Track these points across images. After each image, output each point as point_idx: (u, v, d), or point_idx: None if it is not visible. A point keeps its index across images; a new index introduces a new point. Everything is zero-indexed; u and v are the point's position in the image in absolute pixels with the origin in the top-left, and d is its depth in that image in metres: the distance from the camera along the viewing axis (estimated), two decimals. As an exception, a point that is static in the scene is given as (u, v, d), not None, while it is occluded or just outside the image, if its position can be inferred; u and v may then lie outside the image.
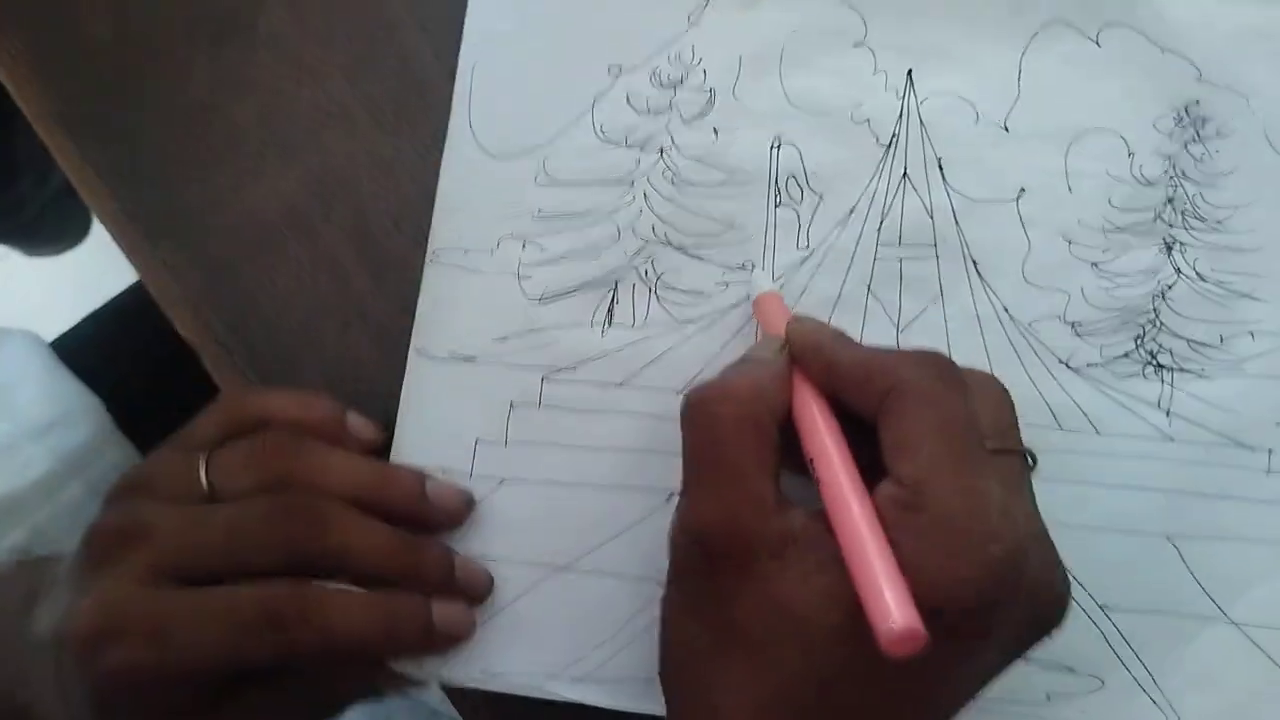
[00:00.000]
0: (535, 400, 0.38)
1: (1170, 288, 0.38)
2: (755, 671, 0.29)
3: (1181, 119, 0.39)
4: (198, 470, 0.34)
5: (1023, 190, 0.39)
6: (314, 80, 0.41)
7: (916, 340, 0.38)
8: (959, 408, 0.29)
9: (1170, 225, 0.38)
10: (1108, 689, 0.37)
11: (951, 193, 0.39)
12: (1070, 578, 0.30)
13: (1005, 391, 0.32)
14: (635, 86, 0.40)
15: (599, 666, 0.37)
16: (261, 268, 0.41)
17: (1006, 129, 0.39)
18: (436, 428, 0.38)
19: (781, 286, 0.38)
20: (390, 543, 0.34)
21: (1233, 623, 0.37)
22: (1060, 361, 0.38)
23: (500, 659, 0.37)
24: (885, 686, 0.28)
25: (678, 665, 0.31)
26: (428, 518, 0.36)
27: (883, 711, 0.29)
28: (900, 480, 0.28)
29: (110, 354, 0.59)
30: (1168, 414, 0.37)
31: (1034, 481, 0.31)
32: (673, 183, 0.39)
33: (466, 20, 0.40)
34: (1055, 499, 0.32)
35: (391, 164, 0.41)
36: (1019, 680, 0.34)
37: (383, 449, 0.38)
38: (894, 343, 0.38)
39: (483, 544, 0.37)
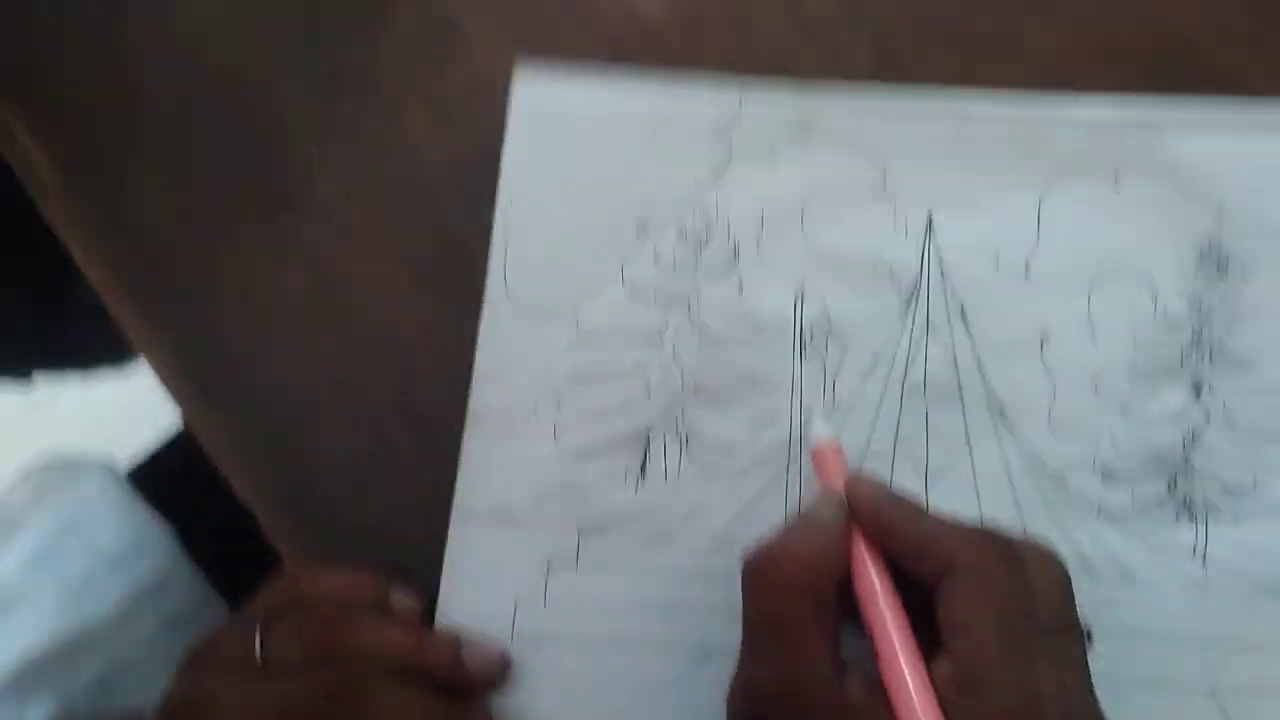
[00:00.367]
0: (573, 560, 0.40)
1: (1199, 433, 0.38)
2: None
3: (1204, 259, 0.39)
4: (252, 643, 0.37)
5: (1046, 336, 0.39)
6: (359, 248, 0.44)
7: (945, 494, 0.39)
8: (1015, 590, 0.30)
9: (1198, 367, 0.39)
10: None
11: (975, 340, 0.40)
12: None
13: (1062, 565, 0.32)
14: (662, 245, 0.41)
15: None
16: (309, 431, 0.43)
17: (1028, 274, 0.40)
18: (478, 589, 0.40)
19: (839, 435, 0.38)
20: (426, 715, 0.36)
21: (1280, 780, 0.36)
22: (1091, 509, 0.38)
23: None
24: None
25: None
26: (463, 682, 0.38)
27: None
28: (957, 660, 0.29)
29: (178, 482, 0.62)
30: (1204, 561, 0.37)
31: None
32: (700, 337, 0.41)
33: (500, 183, 0.42)
34: (1090, 654, 0.32)
35: (431, 327, 0.43)
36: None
37: (427, 615, 0.40)
38: (923, 495, 0.39)
39: (523, 705, 0.39)
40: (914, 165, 0.41)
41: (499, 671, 0.38)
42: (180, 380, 0.45)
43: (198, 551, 0.56)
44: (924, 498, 0.39)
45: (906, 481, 0.39)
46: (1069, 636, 0.31)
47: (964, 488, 0.39)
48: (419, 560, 0.40)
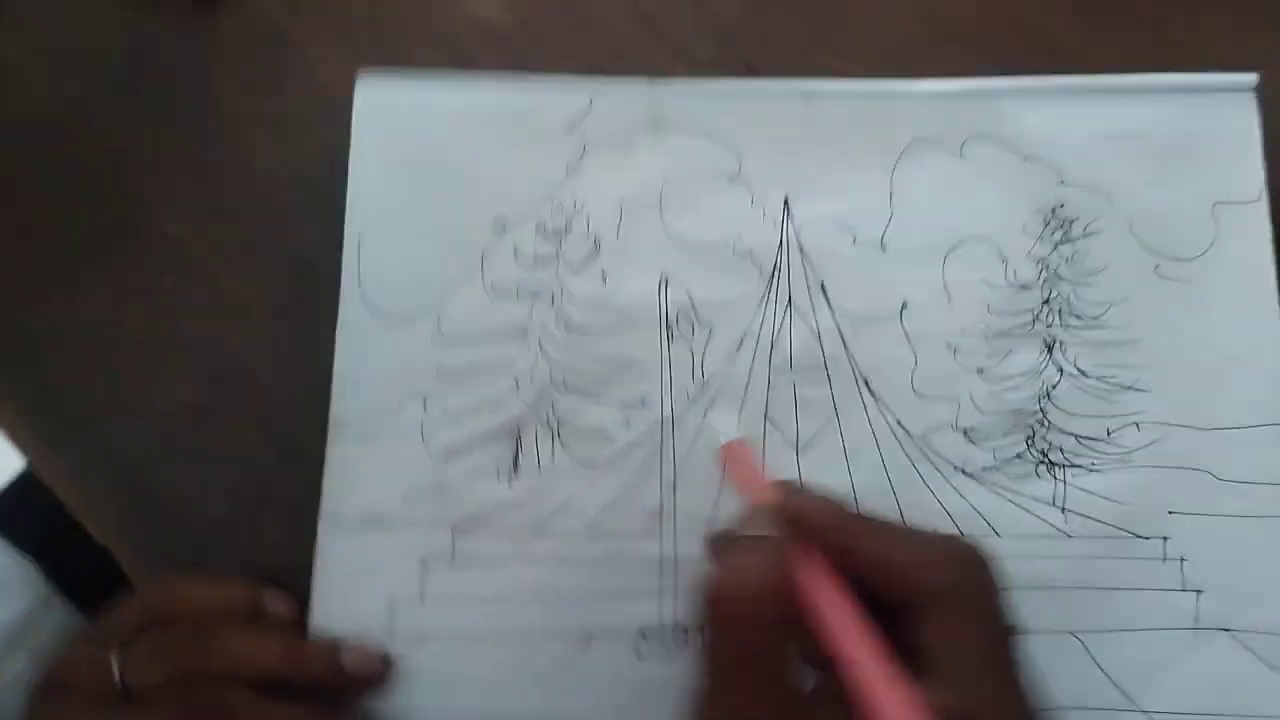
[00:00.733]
0: (448, 557, 0.39)
1: (1054, 387, 0.40)
2: None
3: (1049, 222, 0.41)
4: (110, 668, 0.35)
5: (905, 305, 0.40)
6: (209, 280, 0.43)
7: (816, 464, 0.39)
8: (999, 611, 0.29)
9: (1049, 326, 0.40)
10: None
11: (836, 314, 0.40)
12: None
13: (997, 567, 0.30)
14: (521, 241, 0.42)
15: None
16: (169, 467, 0.42)
17: (884, 248, 0.41)
18: (352, 593, 0.39)
19: (743, 433, 0.38)
20: None
21: (1144, 711, 0.37)
22: (956, 468, 0.39)
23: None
24: None
25: None
26: (345, 688, 0.37)
27: None
28: (953, 692, 0.27)
29: (41, 518, 0.60)
30: (1063, 511, 0.39)
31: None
32: (566, 329, 0.41)
33: (348, 189, 0.42)
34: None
35: (291, 351, 0.42)
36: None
37: (304, 621, 0.39)
38: (794, 464, 0.39)
39: (407, 705, 0.38)
40: (767, 150, 0.42)
41: (381, 672, 0.37)
42: (22, 427, 0.43)
43: (67, 586, 0.53)
44: (795, 469, 0.39)
45: (778, 455, 0.39)
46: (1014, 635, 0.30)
47: (834, 457, 0.39)
48: (292, 579, 0.39)
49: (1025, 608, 0.37)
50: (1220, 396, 0.39)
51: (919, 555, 0.29)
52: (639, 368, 0.40)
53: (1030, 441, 0.39)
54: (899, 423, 0.39)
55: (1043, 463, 0.39)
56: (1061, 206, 0.41)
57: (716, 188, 0.42)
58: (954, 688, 0.27)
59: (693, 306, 0.41)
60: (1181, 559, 0.38)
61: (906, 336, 0.40)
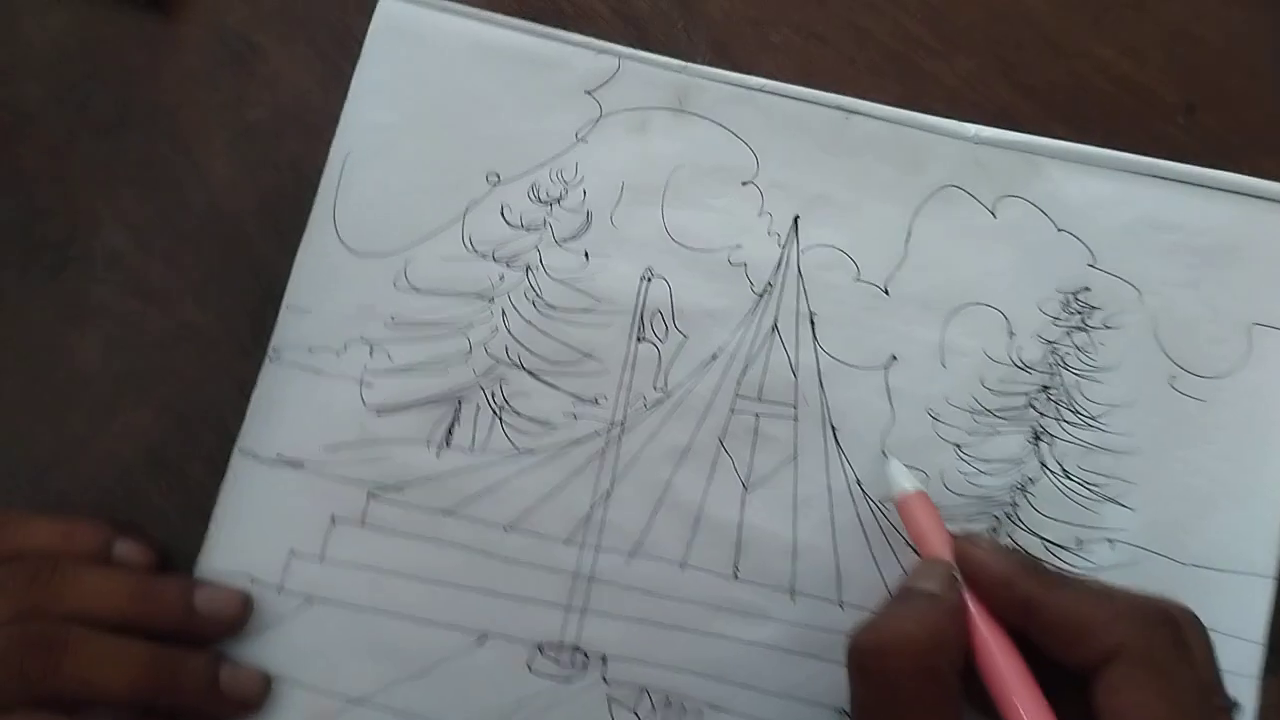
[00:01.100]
0: (359, 518, 0.37)
1: (1033, 481, 0.37)
2: None
3: (1069, 304, 0.38)
4: None
5: (894, 358, 0.38)
6: (162, 303, 0.40)
7: (762, 506, 0.37)
8: (1190, 678, 0.27)
9: (1042, 415, 0.37)
10: None
11: (820, 351, 0.38)
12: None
13: (1204, 627, 0.28)
14: (511, 198, 0.39)
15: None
16: (126, 514, 0.38)
17: (886, 291, 0.38)
18: (252, 534, 0.37)
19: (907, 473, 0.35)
20: (137, 667, 0.33)
21: None
22: (907, 543, 0.37)
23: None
24: None
25: None
26: (197, 630, 0.35)
27: None
28: None
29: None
30: (1012, 616, 0.36)
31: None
32: (534, 304, 0.39)
33: (345, 106, 0.39)
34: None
35: (252, 383, 0.38)
36: None
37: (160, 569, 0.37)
38: (739, 502, 0.37)
39: (278, 663, 0.36)
40: (789, 159, 0.39)
41: (238, 615, 0.36)
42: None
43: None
44: (740, 505, 0.37)
45: (725, 484, 0.37)
46: (1228, 714, 0.28)
47: (782, 502, 0.37)
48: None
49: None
50: (1206, 532, 0.36)
51: (1096, 610, 0.27)
52: (600, 361, 0.38)
53: (993, 534, 0.37)
54: (858, 481, 0.37)
55: (1000, 558, 0.37)
56: (1086, 290, 0.38)
57: (727, 187, 0.39)
58: None
59: (672, 308, 0.38)
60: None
61: (888, 392, 0.37)
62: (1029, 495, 0.37)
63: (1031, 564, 0.29)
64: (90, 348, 0.40)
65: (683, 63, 0.40)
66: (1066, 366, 0.38)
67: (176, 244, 0.40)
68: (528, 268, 0.39)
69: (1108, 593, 0.28)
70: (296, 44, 0.41)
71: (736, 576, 0.37)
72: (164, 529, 0.38)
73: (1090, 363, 0.38)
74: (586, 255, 0.39)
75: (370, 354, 0.38)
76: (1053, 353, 0.38)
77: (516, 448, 0.38)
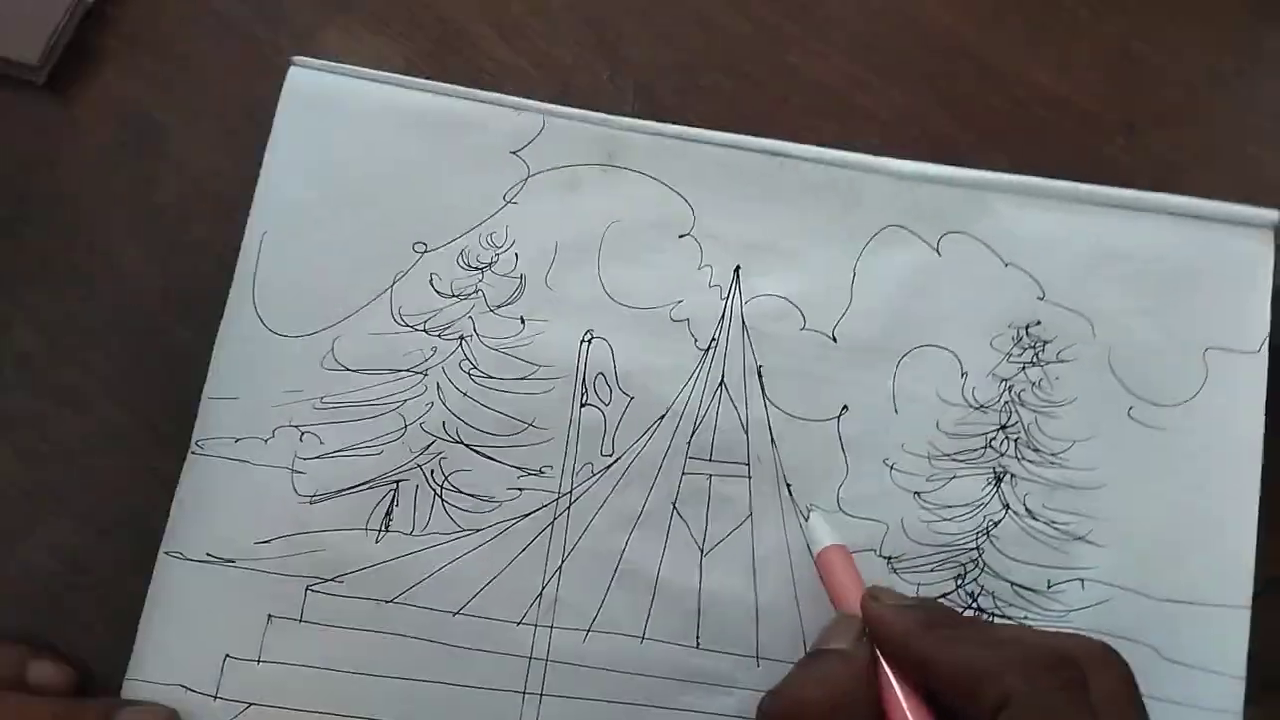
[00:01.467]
0: (297, 614, 0.36)
1: (997, 524, 0.36)
2: None
3: (1021, 339, 0.38)
4: None
5: (845, 408, 0.37)
6: (78, 408, 0.38)
7: (720, 569, 0.36)
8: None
9: (1002, 455, 0.37)
10: None
11: (770, 406, 0.37)
12: None
13: (1123, 664, 0.28)
14: (440, 266, 0.38)
15: None
16: (52, 631, 0.37)
17: (834, 339, 0.38)
18: (183, 641, 0.36)
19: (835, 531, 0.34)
20: None
21: None
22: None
23: None
24: None
25: None
26: None
27: None
28: None
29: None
30: (986, 667, 0.35)
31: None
32: (470, 374, 0.38)
33: (259, 184, 0.38)
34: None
35: (173, 478, 0.37)
36: None
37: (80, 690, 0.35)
38: (696, 568, 0.36)
39: (218, 777, 0.35)
40: (726, 208, 0.39)
41: None
42: None
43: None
44: (697, 571, 0.36)
45: (681, 551, 0.36)
46: None
47: (741, 564, 0.36)
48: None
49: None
50: (1178, 565, 0.36)
51: (986, 661, 0.27)
52: (543, 429, 0.37)
53: (960, 581, 0.36)
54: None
55: (971, 607, 0.36)
56: (1037, 324, 0.38)
57: (664, 241, 0.39)
58: None
59: (615, 370, 0.38)
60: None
61: (841, 443, 0.37)
62: (994, 539, 0.36)
63: (934, 619, 0.29)
64: (2, 459, 0.38)
65: (609, 116, 0.39)
66: (1023, 403, 0.37)
67: (88, 341, 0.39)
68: (461, 337, 0.38)
69: (1007, 640, 0.28)
70: (203, 120, 0.40)
71: (699, 646, 0.36)
72: (91, 643, 0.37)
73: (1046, 398, 0.37)
74: (522, 320, 0.38)
75: (300, 439, 0.37)
76: (1008, 390, 0.37)
77: (460, 527, 0.37)
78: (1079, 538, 0.36)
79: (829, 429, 0.37)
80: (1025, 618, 0.36)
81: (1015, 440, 0.37)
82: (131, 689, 0.35)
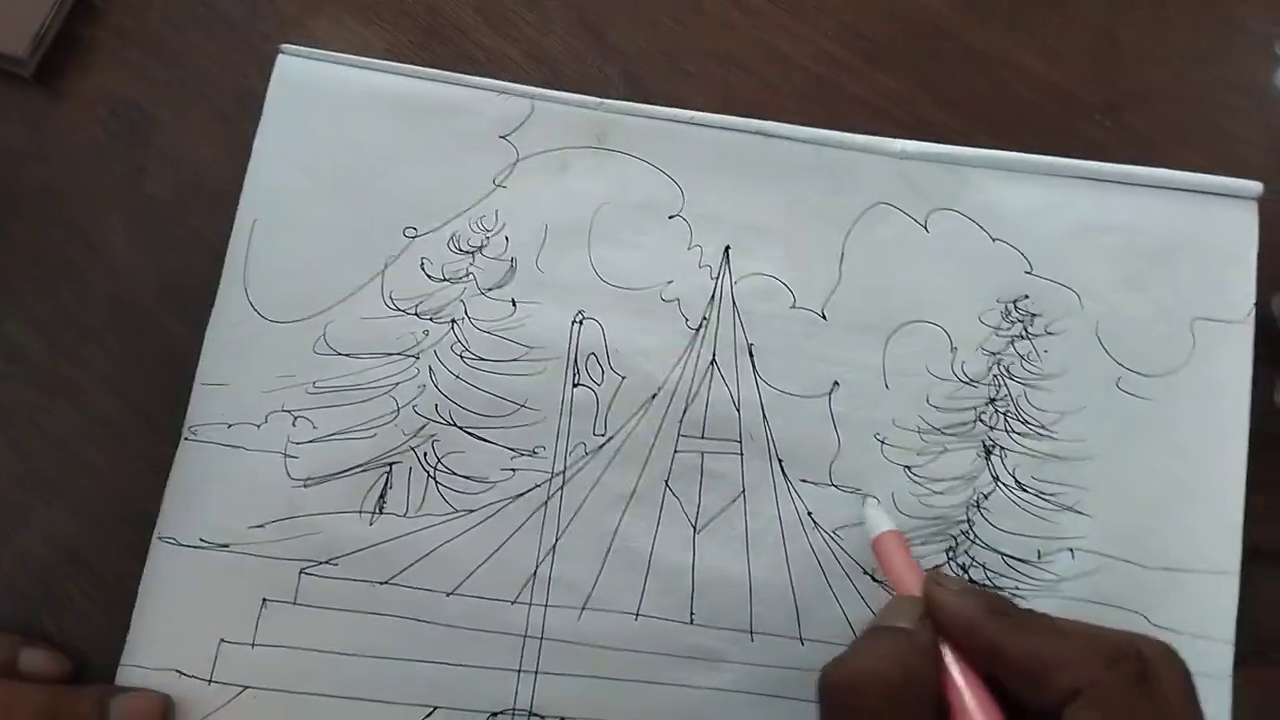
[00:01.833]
0: (291, 596, 0.36)
1: (987, 496, 0.37)
2: None
3: (1009, 314, 0.38)
4: None
5: (836, 385, 0.38)
6: (73, 400, 0.39)
7: (714, 545, 0.37)
8: (1152, 716, 0.27)
9: (991, 428, 0.38)
10: None
11: (761, 383, 0.38)
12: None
13: (1182, 663, 0.28)
14: (431, 251, 0.39)
15: None
16: (48, 619, 0.37)
17: (824, 316, 0.38)
18: (177, 626, 0.36)
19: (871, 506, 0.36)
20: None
21: None
22: (865, 572, 0.37)
23: None
24: None
25: None
26: None
27: None
28: None
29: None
30: (980, 638, 0.36)
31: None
32: (462, 357, 0.38)
33: (248, 171, 0.39)
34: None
35: (167, 467, 0.37)
36: None
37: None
38: (689, 545, 0.37)
39: (214, 760, 0.35)
40: (715, 189, 0.39)
41: None
42: None
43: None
44: (691, 548, 0.37)
45: (675, 528, 0.37)
46: None
47: (734, 540, 0.37)
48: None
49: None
50: (1167, 533, 0.37)
51: (1057, 651, 0.27)
52: (535, 410, 0.38)
53: (951, 554, 0.37)
54: (809, 513, 0.37)
55: (963, 579, 0.37)
56: (1025, 298, 0.38)
57: (654, 223, 0.39)
58: None
59: (606, 350, 0.38)
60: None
61: (833, 419, 0.38)
62: (984, 511, 0.37)
63: (997, 605, 0.29)
64: (-2, 456, 0.39)
65: (598, 99, 0.40)
66: (1011, 377, 0.38)
67: (81, 333, 0.40)
68: (453, 320, 0.39)
69: (1072, 631, 0.29)
70: (193, 110, 0.41)
71: (693, 622, 0.36)
72: (88, 630, 0.37)
73: (1035, 371, 0.38)
74: (514, 303, 0.39)
75: (293, 423, 0.38)
76: (997, 364, 0.38)
77: (454, 508, 0.37)
78: (1068, 508, 0.37)
79: (820, 405, 0.38)
80: (1016, 589, 0.36)
81: (1004, 413, 0.38)
82: (126, 675, 0.36)
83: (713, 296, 0.39)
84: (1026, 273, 0.39)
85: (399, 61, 0.40)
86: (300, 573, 0.36)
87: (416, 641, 0.36)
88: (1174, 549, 0.36)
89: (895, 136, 0.40)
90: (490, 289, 0.39)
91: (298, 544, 0.37)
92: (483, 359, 0.38)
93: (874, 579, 0.37)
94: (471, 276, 0.39)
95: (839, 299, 0.39)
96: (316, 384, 0.38)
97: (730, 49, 0.43)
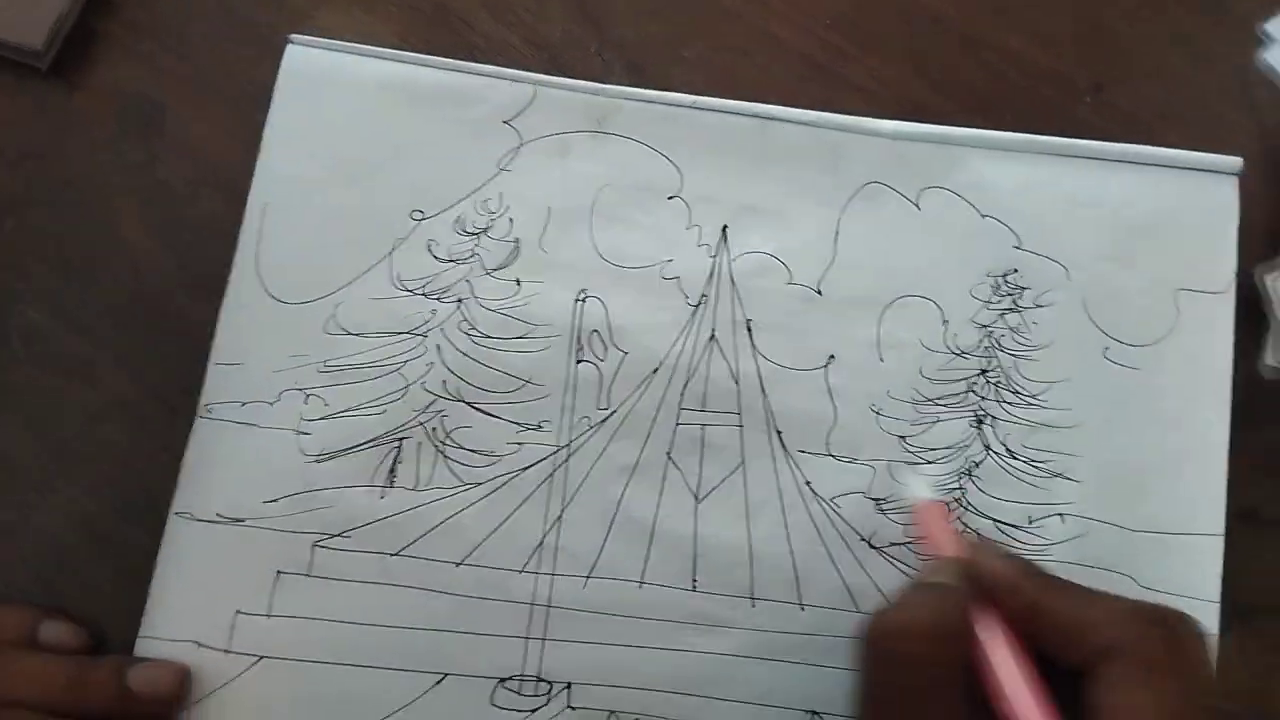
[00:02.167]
0: (305, 569, 0.38)
1: (979, 465, 0.39)
2: None
3: (999, 287, 0.40)
4: None
5: (832, 358, 0.39)
6: (88, 381, 0.40)
7: (715, 515, 0.38)
8: (1185, 676, 0.28)
9: (983, 399, 0.39)
10: None
11: (759, 357, 0.39)
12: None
13: (1201, 634, 0.29)
14: (437, 233, 0.40)
15: None
16: (68, 594, 0.39)
17: (820, 292, 0.40)
18: (194, 597, 0.37)
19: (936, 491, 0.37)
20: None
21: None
22: (862, 539, 0.38)
23: None
24: None
25: None
26: (133, 710, 0.35)
27: None
28: None
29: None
30: (973, 601, 0.37)
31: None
32: (469, 335, 0.40)
33: (259, 158, 0.41)
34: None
35: (182, 446, 0.39)
36: None
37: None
38: (691, 514, 0.38)
39: (231, 726, 0.37)
40: (712, 171, 0.41)
41: (174, 692, 0.36)
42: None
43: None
44: (692, 517, 0.38)
45: (677, 498, 0.38)
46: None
47: (734, 509, 0.38)
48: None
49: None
50: (1153, 497, 0.38)
51: (1094, 611, 0.29)
52: (540, 385, 0.39)
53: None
54: (808, 483, 0.38)
55: (956, 545, 0.38)
56: (1014, 272, 0.40)
57: (653, 203, 0.41)
58: None
59: (609, 327, 0.40)
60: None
61: (829, 391, 0.39)
62: (976, 479, 0.38)
63: (1034, 568, 0.31)
64: (14, 430, 0.40)
65: (598, 85, 0.42)
66: (1002, 348, 0.39)
67: (97, 316, 0.41)
68: (459, 300, 0.40)
69: (1105, 595, 0.30)
70: (204, 101, 0.43)
71: (695, 589, 0.38)
72: (107, 604, 0.38)
73: (1025, 342, 0.39)
74: (518, 282, 0.40)
75: (305, 401, 0.39)
76: (988, 336, 0.40)
77: (462, 481, 0.39)
78: (1057, 474, 0.38)
79: (817, 378, 0.39)
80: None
81: (995, 384, 0.39)
82: (144, 646, 0.37)
83: (711, 274, 0.40)
84: (1015, 247, 0.40)
85: (404, 50, 0.42)
86: (313, 545, 0.38)
87: (427, 611, 0.37)
88: (1160, 513, 0.38)
89: (888, 119, 0.41)
90: (495, 269, 0.40)
91: (310, 518, 0.38)
92: (489, 336, 0.40)
93: (871, 545, 0.38)
94: (477, 257, 0.40)
95: (834, 275, 0.40)
96: (327, 363, 0.39)
97: (728, 35, 0.44)
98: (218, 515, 0.38)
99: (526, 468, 0.39)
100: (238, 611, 0.37)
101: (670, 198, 0.41)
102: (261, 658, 0.37)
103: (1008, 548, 0.33)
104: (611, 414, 0.39)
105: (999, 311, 0.40)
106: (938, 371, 0.39)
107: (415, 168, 0.41)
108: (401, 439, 0.39)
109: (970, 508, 0.38)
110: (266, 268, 0.40)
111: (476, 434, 0.39)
